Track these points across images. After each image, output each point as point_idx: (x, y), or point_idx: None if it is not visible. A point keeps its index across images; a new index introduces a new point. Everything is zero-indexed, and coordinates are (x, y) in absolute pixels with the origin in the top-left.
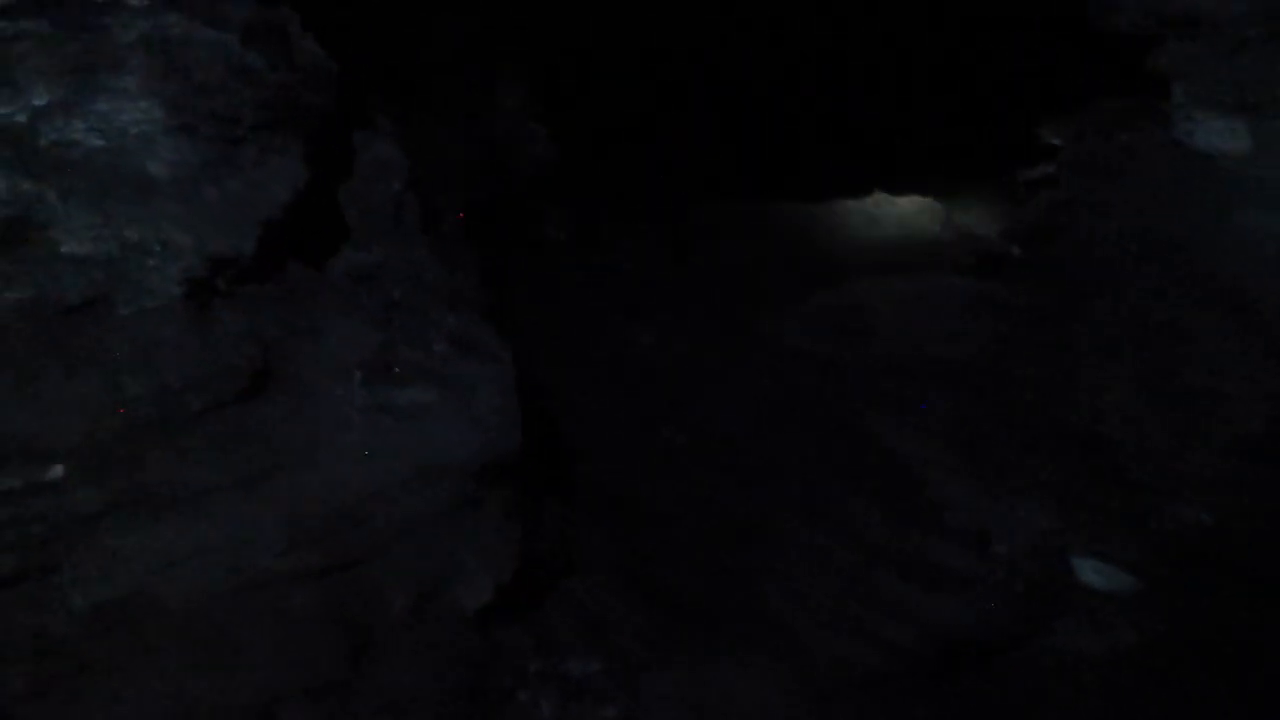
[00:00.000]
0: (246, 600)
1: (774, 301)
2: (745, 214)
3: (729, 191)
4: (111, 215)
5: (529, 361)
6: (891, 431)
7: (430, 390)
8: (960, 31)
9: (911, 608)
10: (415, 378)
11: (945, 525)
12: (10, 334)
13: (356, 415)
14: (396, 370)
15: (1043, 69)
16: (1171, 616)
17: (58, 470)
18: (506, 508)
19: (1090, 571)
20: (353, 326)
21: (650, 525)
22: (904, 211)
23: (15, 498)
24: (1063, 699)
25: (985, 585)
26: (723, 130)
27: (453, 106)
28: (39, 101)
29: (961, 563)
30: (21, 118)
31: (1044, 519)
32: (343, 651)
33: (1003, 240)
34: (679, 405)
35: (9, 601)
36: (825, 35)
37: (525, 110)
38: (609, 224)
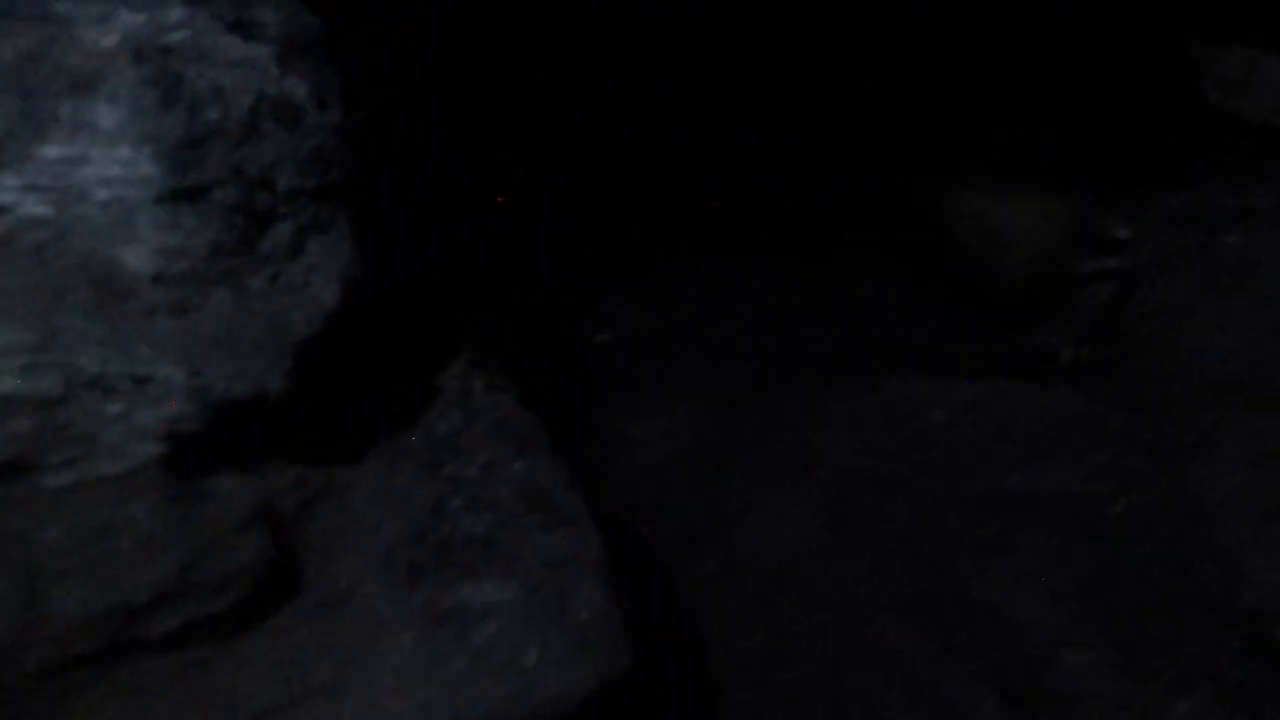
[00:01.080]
0: None
1: (807, 393)
2: (753, 268)
3: (730, 240)
4: (56, 331)
5: None
6: (988, 583)
7: (507, 583)
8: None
9: None
10: (483, 562)
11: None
12: None
13: (403, 630)
14: (456, 550)
15: (1106, 149)
16: None
17: None
18: None
19: None
20: (391, 478)
21: (729, 708)
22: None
23: None
24: None
25: None
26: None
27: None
28: None
29: None
30: None
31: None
32: None
33: (1050, 339)
34: (714, 530)
35: None
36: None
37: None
38: (584, 282)
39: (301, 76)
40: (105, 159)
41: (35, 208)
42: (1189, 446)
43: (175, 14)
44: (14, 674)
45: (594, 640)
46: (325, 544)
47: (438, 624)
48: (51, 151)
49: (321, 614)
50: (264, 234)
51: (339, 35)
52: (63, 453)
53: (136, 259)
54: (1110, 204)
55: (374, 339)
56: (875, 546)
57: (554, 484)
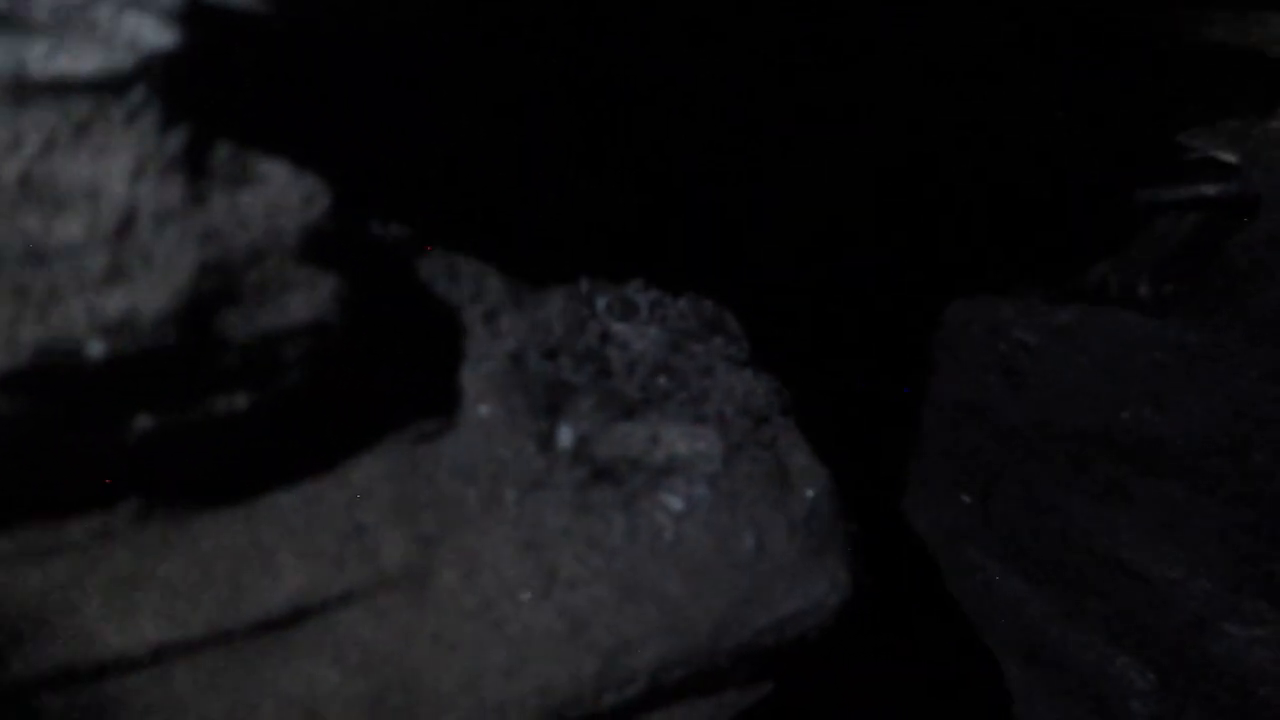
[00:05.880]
0: None
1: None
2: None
3: None
4: None
5: None
6: (1113, 537)
7: (698, 431)
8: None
9: None
10: (656, 395)
11: (1263, 708)
12: None
13: (536, 488)
14: (614, 372)
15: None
16: None
17: None
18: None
19: None
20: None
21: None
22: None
23: None
24: None
25: None
26: None
27: None
28: None
29: None
30: None
31: None
32: None
33: (1116, 274)
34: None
35: None
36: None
37: None
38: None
39: None
40: None
41: None
42: None
43: None
44: None
45: (825, 533)
46: (424, 330)
47: (592, 483)
48: None
49: (407, 450)
50: None
51: None
52: None
53: None
54: (1214, 124)
55: None
56: (968, 484)
57: (721, 309)
